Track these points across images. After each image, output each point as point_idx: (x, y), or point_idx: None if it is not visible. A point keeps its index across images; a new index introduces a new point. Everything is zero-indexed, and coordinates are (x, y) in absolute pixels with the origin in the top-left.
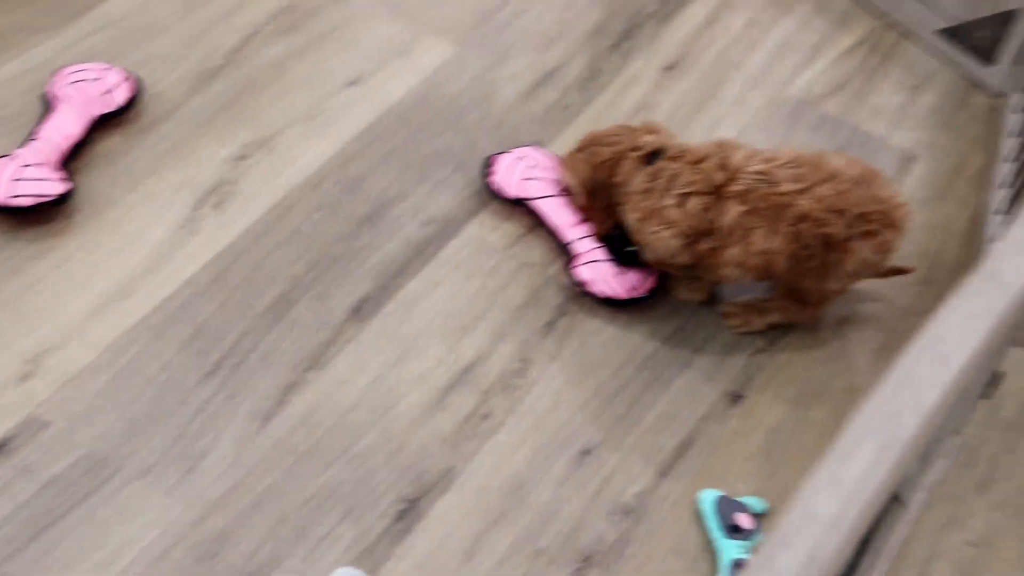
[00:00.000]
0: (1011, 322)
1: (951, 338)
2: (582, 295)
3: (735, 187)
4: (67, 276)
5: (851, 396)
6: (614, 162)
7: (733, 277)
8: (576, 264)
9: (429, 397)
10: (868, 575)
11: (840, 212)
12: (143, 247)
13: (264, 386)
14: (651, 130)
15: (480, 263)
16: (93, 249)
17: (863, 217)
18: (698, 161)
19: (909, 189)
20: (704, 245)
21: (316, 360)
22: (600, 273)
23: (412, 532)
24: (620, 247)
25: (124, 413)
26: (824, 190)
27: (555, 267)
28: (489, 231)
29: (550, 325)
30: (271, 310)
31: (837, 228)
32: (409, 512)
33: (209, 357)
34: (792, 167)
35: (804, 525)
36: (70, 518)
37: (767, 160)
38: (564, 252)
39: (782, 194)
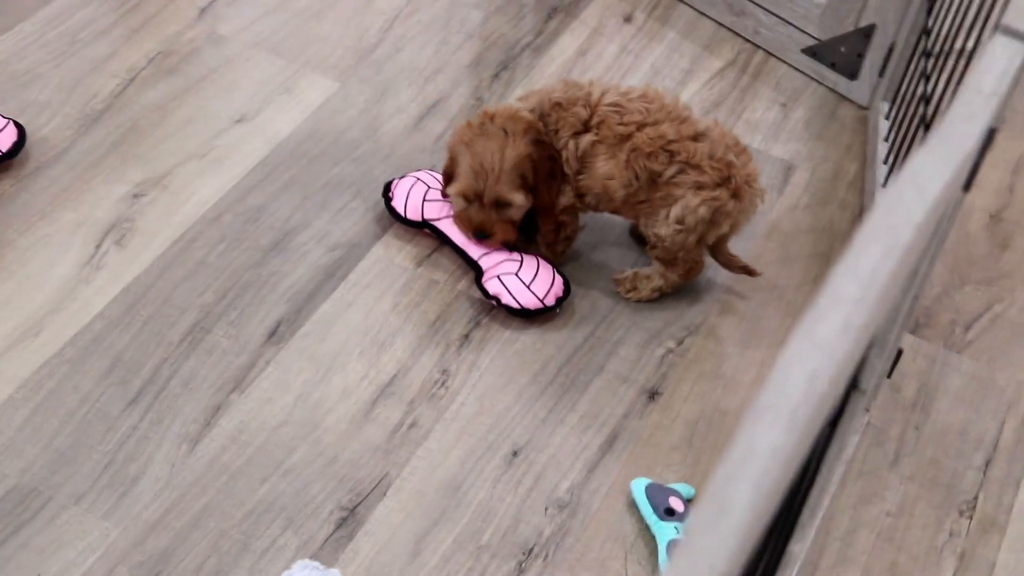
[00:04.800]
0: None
1: (926, 171)
2: (493, 308)
3: (594, 119)
4: None
5: (760, 385)
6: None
7: (577, 204)
8: (485, 279)
9: (356, 410)
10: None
11: (671, 153)
12: (46, 286)
13: (189, 410)
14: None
15: (390, 283)
16: None
17: (695, 167)
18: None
19: (792, 196)
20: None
21: (239, 382)
22: (508, 286)
23: (354, 538)
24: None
25: (49, 445)
26: (665, 128)
27: (464, 283)
28: (395, 252)
29: (465, 337)
30: (187, 338)
31: (661, 166)
32: (349, 519)
33: (130, 386)
34: (643, 102)
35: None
36: (6, 548)
37: (622, 94)
38: (471, 268)
39: (626, 124)
